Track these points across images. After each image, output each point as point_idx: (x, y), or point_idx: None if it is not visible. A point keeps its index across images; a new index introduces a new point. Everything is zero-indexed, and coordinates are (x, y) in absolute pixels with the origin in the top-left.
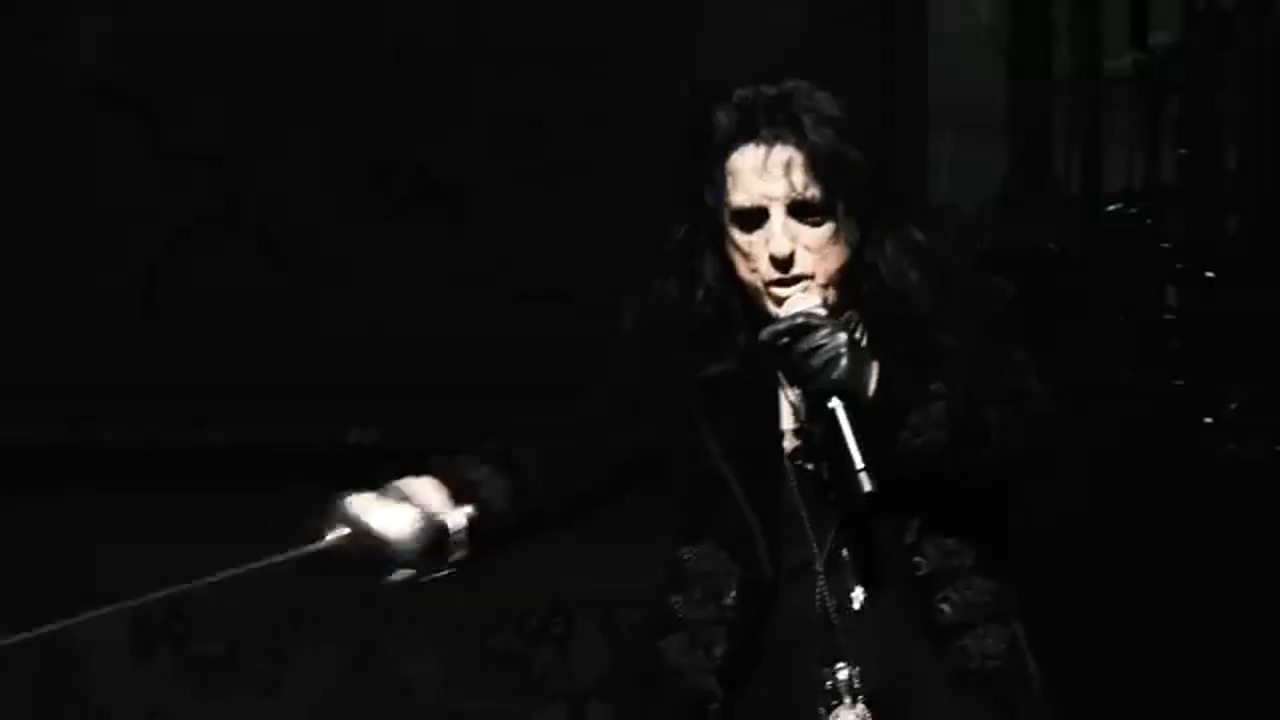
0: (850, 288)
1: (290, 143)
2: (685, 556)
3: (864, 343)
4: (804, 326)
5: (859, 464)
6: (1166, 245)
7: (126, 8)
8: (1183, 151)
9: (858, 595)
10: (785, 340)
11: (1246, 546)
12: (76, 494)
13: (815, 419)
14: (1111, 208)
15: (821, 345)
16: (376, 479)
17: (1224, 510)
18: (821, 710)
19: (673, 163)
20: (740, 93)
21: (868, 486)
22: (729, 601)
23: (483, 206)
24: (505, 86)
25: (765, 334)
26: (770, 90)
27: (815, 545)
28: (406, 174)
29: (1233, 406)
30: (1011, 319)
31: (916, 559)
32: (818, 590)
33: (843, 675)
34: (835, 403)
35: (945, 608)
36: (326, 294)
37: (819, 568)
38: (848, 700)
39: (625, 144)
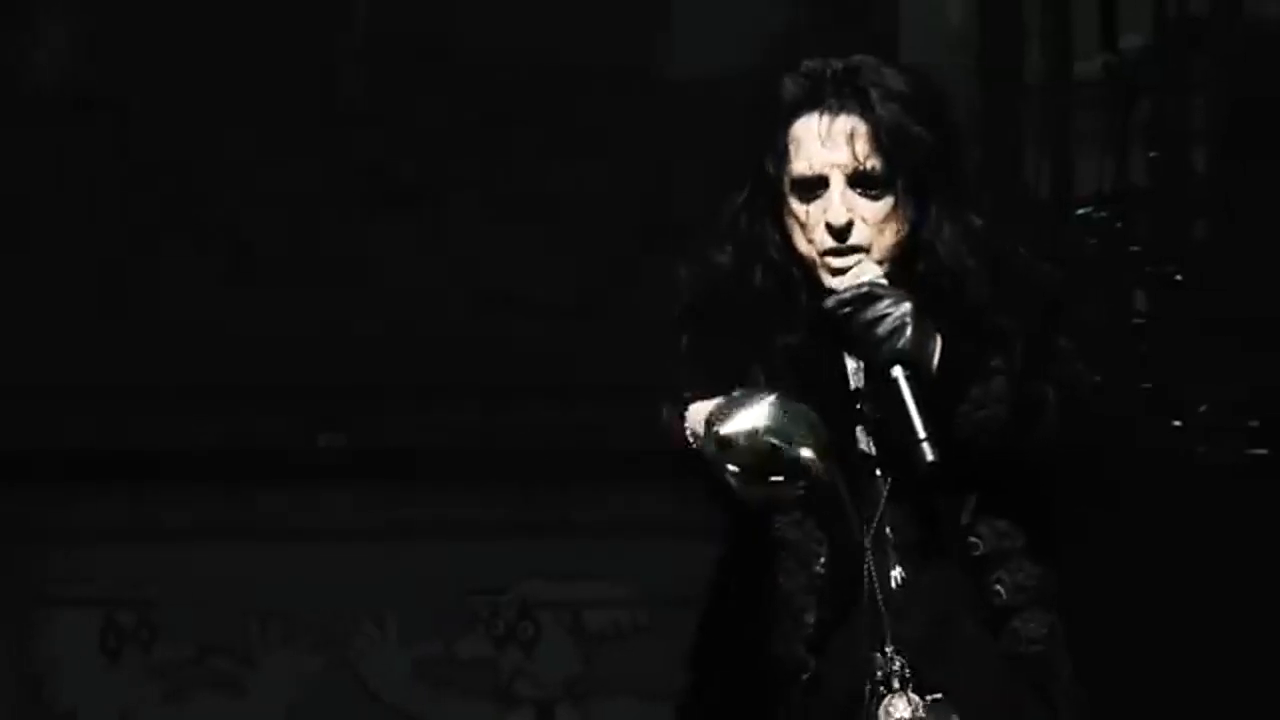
0: (905, 266)
1: (259, 145)
2: (775, 526)
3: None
4: (868, 295)
5: (921, 434)
6: (1136, 248)
7: (95, 11)
8: (1153, 155)
9: (896, 574)
10: (848, 309)
11: (1216, 550)
12: (37, 494)
13: (876, 390)
14: (1081, 211)
15: (886, 314)
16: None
17: (1193, 514)
18: (870, 694)
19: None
20: (808, 63)
21: (930, 456)
22: (819, 569)
23: (451, 209)
24: (474, 89)
25: (830, 302)
26: (838, 63)
27: (861, 523)
28: (376, 176)
29: (1202, 410)
30: (1061, 307)
31: (972, 539)
32: (866, 568)
33: (895, 665)
34: (898, 372)
35: (1000, 589)
36: (293, 295)
37: (867, 544)
38: (897, 685)
39: (597, 146)
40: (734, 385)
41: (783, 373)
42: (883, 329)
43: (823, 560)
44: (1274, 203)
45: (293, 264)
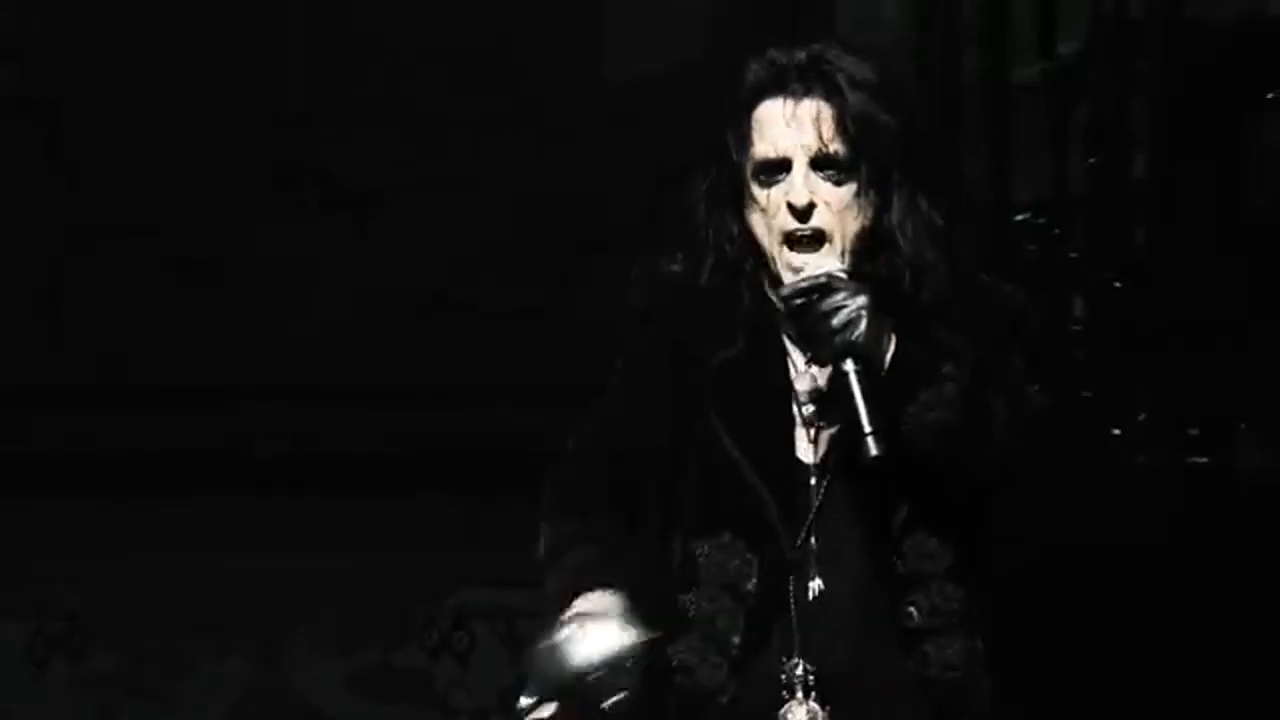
0: (866, 256)
1: (196, 147)
2: (698, 552)
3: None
4: (825, 286)
5: (867, 428)
6: (1074, 254)
7: (30, 14)
8: (1091, 160)
9: (815, 585)
10: (804, 299)
11: (1155, 557)
12: None
13: (818, 393)
14: (1020, 216)
15: (843, 306)
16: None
17: (1133, 521)
18: (776, 703)
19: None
20: (773, 51)
21: (874, 450)
22: (750, 588)
23: (388, 211)
24: (408, 89)
25: (786, 290)
26: (803, 50)
27: (791, 540)
28: (311, 179)
29: (1141, 417)
30: (1020, 329)
31: (895, 558)
32: (789, 582)
33: (798, 671)
34: (849, 365)
35: (914, 610)
36: (228, 297)
37: (789, 557)
38: (800, 695)
39: (531, 145)
40: (671, 407)
41: (721, 389)
42: (837, 320)
43: (753, 581)
44: (1211, 205)
45: (226, 266)
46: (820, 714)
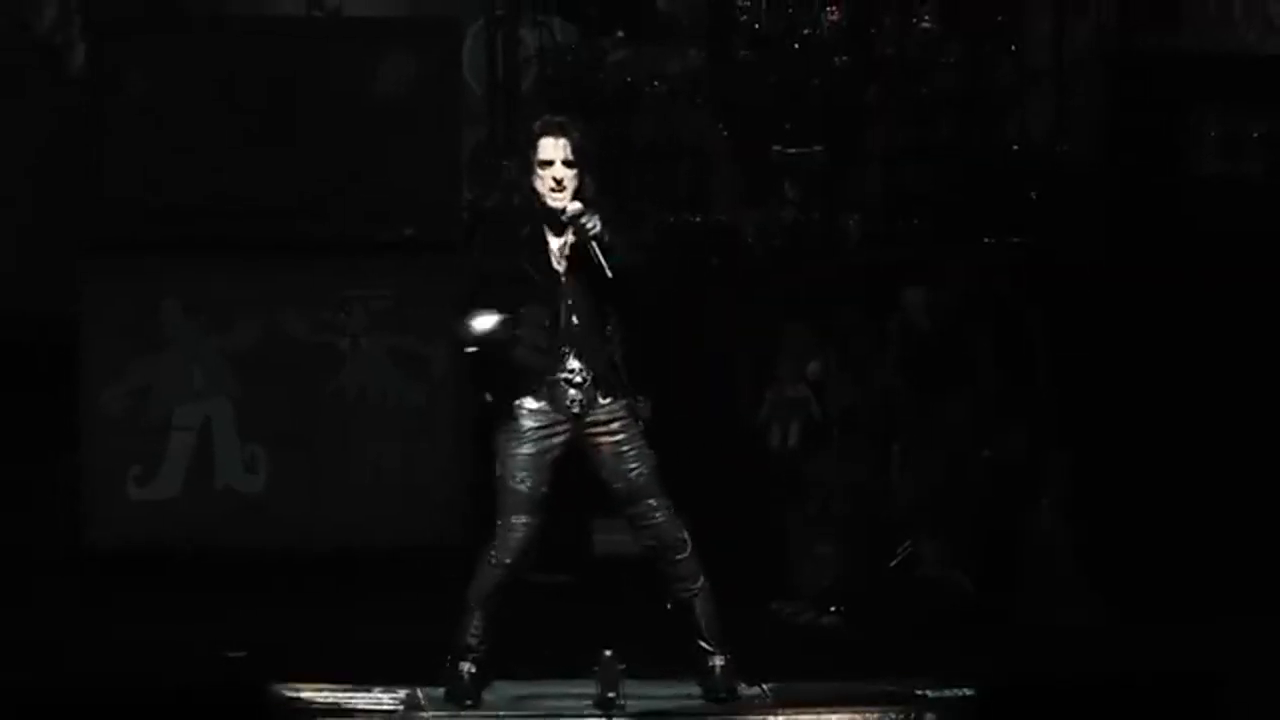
0: (576, 196)
1: None
2: (521, 309)
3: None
4: (583, 211)
5: (604, 264)
6: None
7: None
8: None
9: (573, 319)
10: (577, 216)
11: None
12: None
13: (569, 250)
14: None
15: (593, 217)
16: None
17: None
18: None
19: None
20: (542, 120)
21: (609, 273)
22: (545, 322)
23: None
24: None
25: (570, 212)
26: (554, 118)
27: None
28: None
29: None
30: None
31: (599, 303)
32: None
33: (568, 350)
34: (594, 242)
35: (609, 326)
36: None
37: (559, 309)
38: (570, 355)
39: None
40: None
41: (523, 247)
42: (590, 224)
43: (547, 319)
44: None
45: None
46: (578, 364)
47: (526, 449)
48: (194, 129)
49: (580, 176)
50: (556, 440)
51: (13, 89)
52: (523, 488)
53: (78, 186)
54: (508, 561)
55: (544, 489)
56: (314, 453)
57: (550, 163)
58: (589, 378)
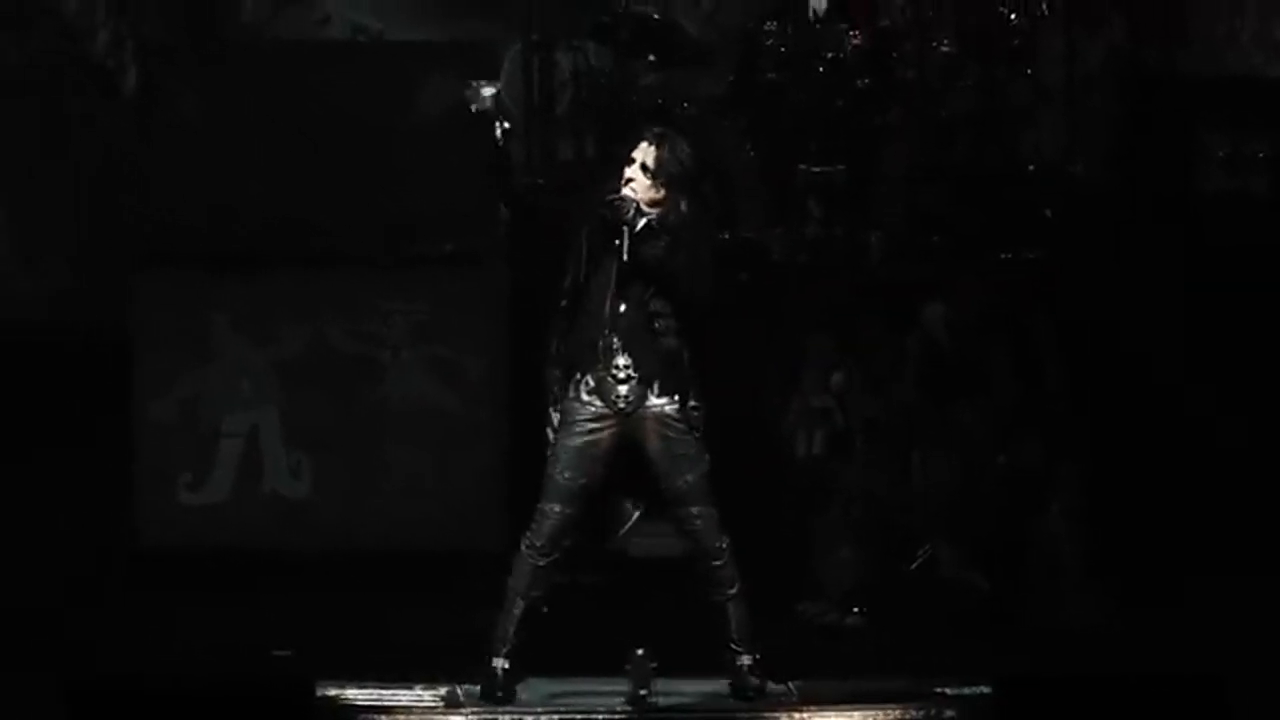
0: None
1: None
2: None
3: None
4: (631, 207)
5: (626, 252)
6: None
7: None
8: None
9: (622, 309)
10: (625, 210)
11: None
12: None
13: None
14: None
15: (635, 212)
16: None
17: None
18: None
19: None
20: (650, 128)
21: (626, 256)
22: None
23: None
24: None
25: (616, 204)
26: (656, 129)
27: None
28: None
29: None
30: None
31: (650, 285)
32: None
33: (620, 361)
34: (625, 229)
35: (653, 304)
36: None
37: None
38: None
39: None
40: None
41: (591, 243)
42: (628, 212)
43: (610, 289)
44: None
45: None
46: (626, 360)
47: (573, 440)
48: (242, 148)
49: (660, 188)
50: (604, 434)
51: (67, 108)
52: (562, 478)
53: (130, 204)
54: (539, 545)
55: (583, 481)
56: (356, 459)
57: (633, 162)
58: (638, 375)
